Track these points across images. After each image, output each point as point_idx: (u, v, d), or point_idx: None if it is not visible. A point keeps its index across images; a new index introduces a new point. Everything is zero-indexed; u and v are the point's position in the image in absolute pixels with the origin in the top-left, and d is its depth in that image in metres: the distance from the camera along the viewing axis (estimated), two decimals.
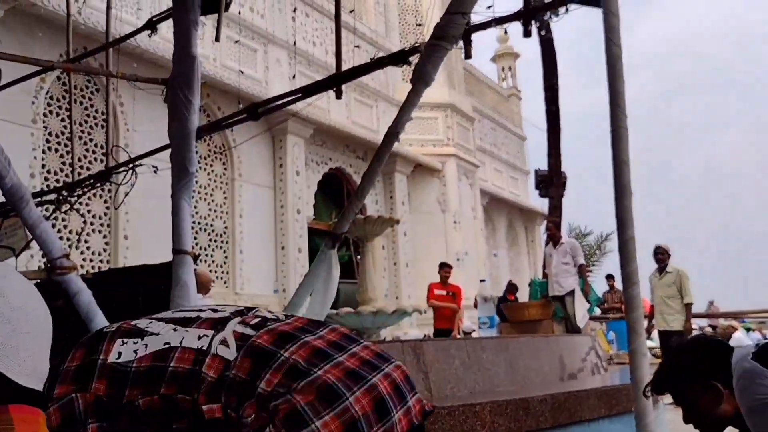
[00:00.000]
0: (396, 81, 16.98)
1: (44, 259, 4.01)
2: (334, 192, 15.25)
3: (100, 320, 3.70)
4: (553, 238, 8.79)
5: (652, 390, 2.02)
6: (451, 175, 17.49)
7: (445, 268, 9.38)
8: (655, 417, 3.58)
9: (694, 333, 14.29)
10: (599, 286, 13.82)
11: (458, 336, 9.57)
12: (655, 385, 1.99)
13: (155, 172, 5.69)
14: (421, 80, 3.87)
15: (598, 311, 12.27)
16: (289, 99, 4.73)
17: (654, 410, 4.19)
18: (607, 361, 9.06)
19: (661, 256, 7.90)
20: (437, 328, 9.32)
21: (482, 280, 10.97)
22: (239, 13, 11.46)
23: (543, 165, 13.86)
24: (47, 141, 9.60)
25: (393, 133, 4.12)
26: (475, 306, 11.17)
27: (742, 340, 12.46)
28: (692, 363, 1.85)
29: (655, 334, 8.74)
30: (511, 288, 11.87)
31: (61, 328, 3.38)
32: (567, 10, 3.75)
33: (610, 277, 13.35)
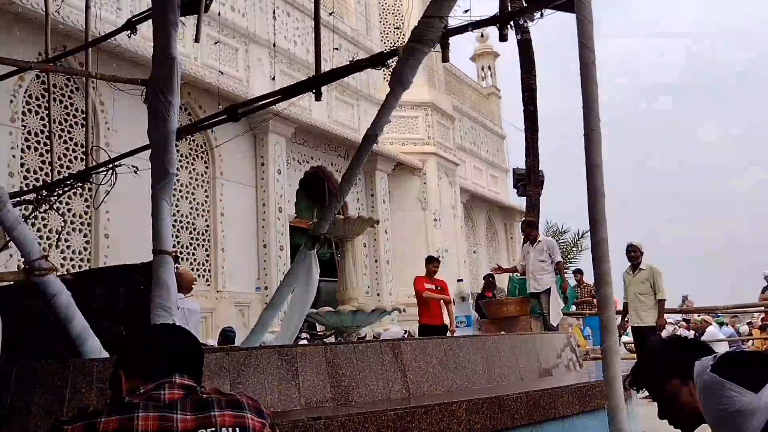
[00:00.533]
0: (377, 80, 16.98)
1: (24, 259, 3.96)
2: (316, 190, 15.23)
3: (78, 322, 3.67)
4: (528, 237, 8.84)
5: (631, 384, 2.06)
6: (431, 174, 17.56)
7: (434, 262, 9.05)
8: (628, 413, 3.63)
9: (668, 328, 14.50)
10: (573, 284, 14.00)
11: (455, 331, 9.09)
12: (634, 378, 2.03)
13: (135, 172, 5.65)
14: (398, 83, 3.88)
15: (574, 308, 12.40)
16: (268, 101, 4.71)
17: (627, 406, 4.24)
18: (584, 356, 9.16)
19: (634, 253, 8.00)
20: (426, 324, 8.58)
21: (459, 280, 10.96)
22: (219, 13, 11.38)
23: (522, 163, 13.96)
24: (26, 140, 9.48)
25: (371, 135, 4.13)
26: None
27: (715, 334, 12.65)
28: (672, 358, 1.89)
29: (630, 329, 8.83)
30: (489, 285, 11.94)
31: (40, 328, 3.34)
32: (542, 15, 3.78)
33: (578, 272, 13.58)
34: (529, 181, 12.88)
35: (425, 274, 9.03)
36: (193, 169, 12.08)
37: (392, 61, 4.22)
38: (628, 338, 11.31)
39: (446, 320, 8.91)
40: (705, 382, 1.58)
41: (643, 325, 7.82)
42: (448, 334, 8.61)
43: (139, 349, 1.58)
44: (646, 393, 2.02)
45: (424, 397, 3.46)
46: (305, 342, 9.71)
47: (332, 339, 7.80)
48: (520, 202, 15.81)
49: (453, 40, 4.20)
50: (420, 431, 2.89)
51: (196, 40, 6.09)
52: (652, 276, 7.82)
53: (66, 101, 10.07)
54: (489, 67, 25.41)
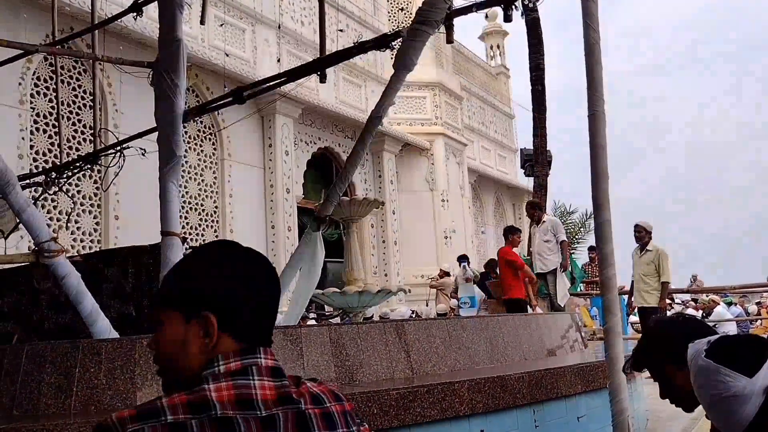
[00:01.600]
0: (385, 60, 16.88)
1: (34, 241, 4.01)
2: (324, 171, 15.25)
3: (88, 303, 3.73)
4: (532, 218, 8.80)
5: (631, 367, 2.08)
6: (439, 154, 17.52)
7: (518, 232, 8.46)
8: (630, 393, 3.67)
9: (676, 308, 14.47)
10: (583, 261, 13.93)
11: (536, 305, 8.40)
12: (633, 362, 2.06)
13: (143, 154, 5.68)
14: (403, 66, 3.88)
15: (582, 287, 12.39)
16: (273, 83, 4.72)
17: (630, 385, 4.28)
18: (590, 336, 9.19)
19: (639, 233, 7.98)
20: (518, 298, 7.90)
21: (463, 261, 10.98)
22: None
23: (530, 143, 13.90)
24: (35, 122, 9.53)
25: (375, 117, 4.13)
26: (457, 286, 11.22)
27: (723, 314, 12.64)
28: (669, 342, 1.91)
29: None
30: (493, 264, 11.97)
31: (48, 309, 3.39)
32: None
33: (592, 249, 13.25)
34: (537, 161, 12.83)
35: (506, 245, 8.31)
36: (201, 151, 12.12)
37: (397, 43, 4.21)
38: (635, 318, 11.33)
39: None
40: (699, 367, 1.60)
41: (646, 305, 7.84)
42: (530, 310, 8.01)
43: (244, 295, 1.11)
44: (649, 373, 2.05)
45: (427, 376, 3.50)
46: (313, 322, 9.80)
47: (338, 319, 7.85)
48: (529, 183, 15.78)
49: (461, 19, 4.18)
50: (422, 410, 2.94)
51: (202, 21, 6.10)
52: (657, 258, 7.80)
53: (74, 83, 10.10)
54: (498, 46, 25.19)
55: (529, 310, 7.96)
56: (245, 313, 1.10)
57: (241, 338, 1.10)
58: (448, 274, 12.57)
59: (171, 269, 1.17)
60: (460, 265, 11.26)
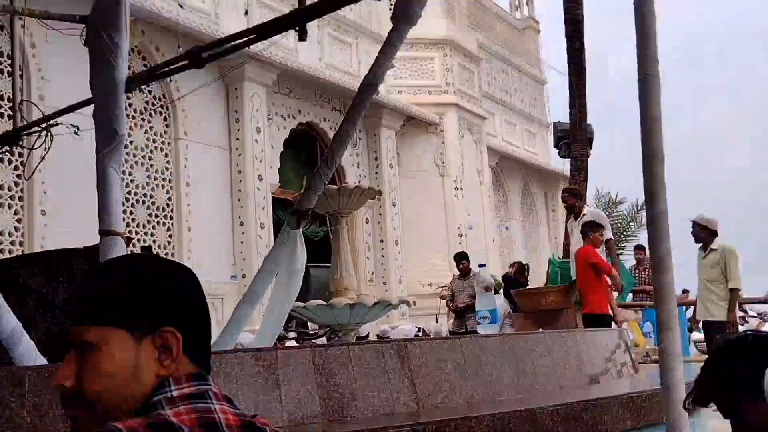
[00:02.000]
0: (381, 11, 16.87)
1: None
2: (306, 152, 15.25)
3: (8, 320, 3.73)
4: (572, 209, 8.82)
5: (693, 402, 2.08)
6: (451, 130, 17.54)
7: (601, 229, 8.21)
8: (693, 428, 3.69)
9: (751, 322, 14.50)
10: (630, 264, 13.92)
11: (622, 321, 8.08)
12: (696, 395, 2.05)
13: (76, 133, 5.69)
14: (404, 18, 3.88)
15: (631, 297, 12.41)
16: (240, 41, 4.72)
17: (691, 420, 4.30)
18: (643, 358, 9.23)
19: (694, 230, 7.95)
20: (601, 313, 7.66)
21: (482, 265, 10.93)
22: None
23: (566, 115, 13.89)
24: None
25: (370, 84, 4.13)
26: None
27: None
28: (739, 368, 1.91)
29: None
30: (522, 268, 12.00)
31: None
32: None
33: (639, 249, 12.96)
34: (574, 138, 12.84)
35: (586, 244, 8.10)
36: (150, 128, 12.11)
37: None
38: (700, 335, 11.37)
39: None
40: None
41: (712, 319, 7.84)
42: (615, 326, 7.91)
43: (199, 310, 1.18)
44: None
45: (436, 410, 3.52)
46: (293, 343, 9.83)
47: (324, 339, 7.87)
48: (565, 165, 15.80)
49: None
50: None
51: None
52: (723, 259, 7.77)
53: None
54: None
55: (613, 326, 7.83)
56: (201, 331, 1.17)
57: (196, 360, 1.15)
58: None
59: (91, 281, 1.18)
60: (458, 266, 11.25)
